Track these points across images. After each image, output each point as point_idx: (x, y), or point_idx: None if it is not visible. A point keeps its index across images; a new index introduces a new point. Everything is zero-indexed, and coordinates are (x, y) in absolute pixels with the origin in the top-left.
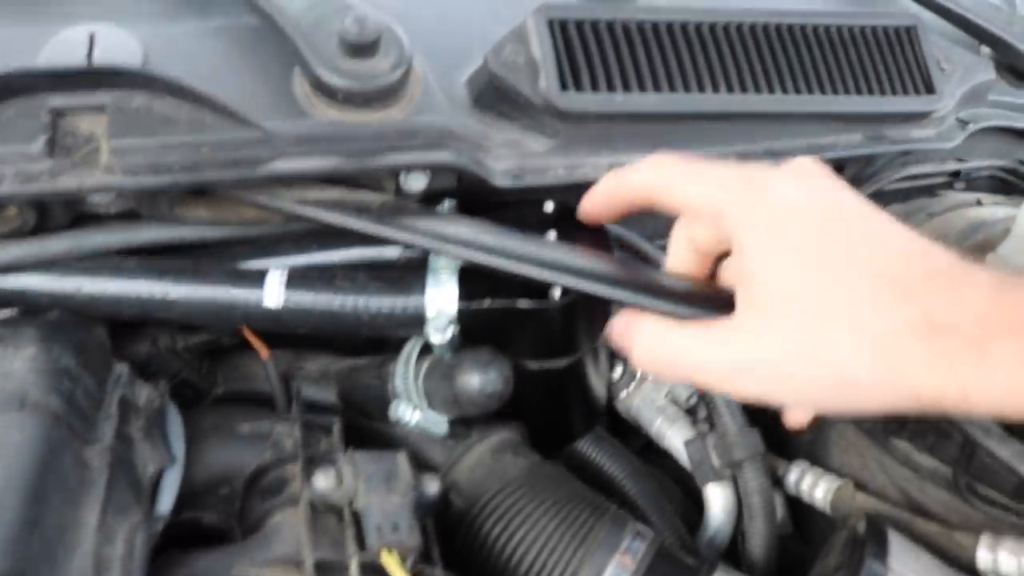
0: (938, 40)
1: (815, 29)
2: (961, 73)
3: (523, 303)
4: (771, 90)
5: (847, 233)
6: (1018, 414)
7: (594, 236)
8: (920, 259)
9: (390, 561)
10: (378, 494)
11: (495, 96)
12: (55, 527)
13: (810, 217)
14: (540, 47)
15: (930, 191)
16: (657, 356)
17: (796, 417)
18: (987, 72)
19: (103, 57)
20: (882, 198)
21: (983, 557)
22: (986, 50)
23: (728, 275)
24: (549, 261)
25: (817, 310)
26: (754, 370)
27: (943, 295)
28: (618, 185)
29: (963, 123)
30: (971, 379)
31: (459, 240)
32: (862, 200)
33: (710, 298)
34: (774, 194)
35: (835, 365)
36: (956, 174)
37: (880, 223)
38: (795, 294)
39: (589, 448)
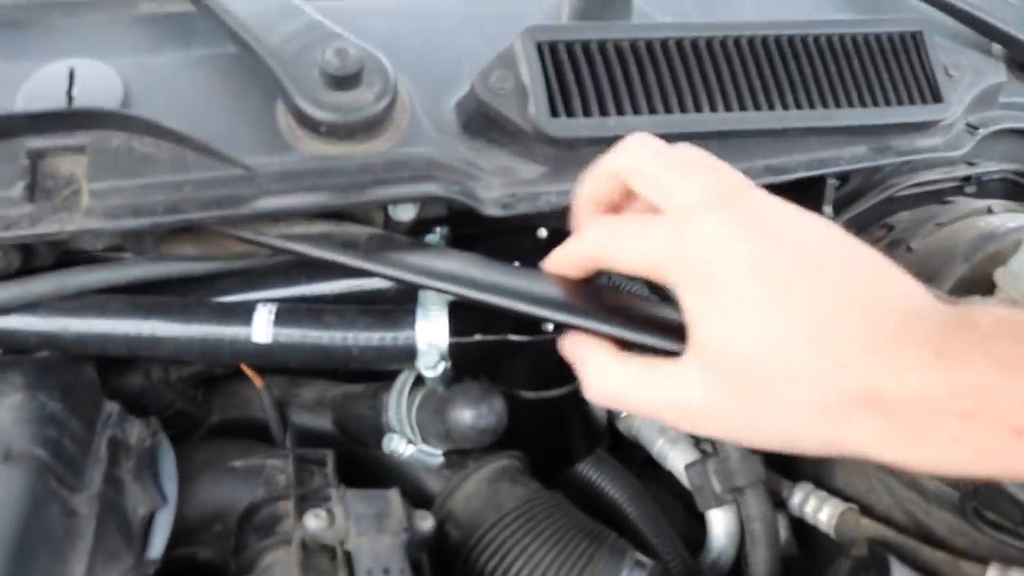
0: (945, 43)
1: (816, 40)
2: (970, 77)
3: (515, 337)
4: (770, 106)
5: (784, 283)
6: (971, 478)
7: None
8: (863, 318)
9: None
10: (369, 535)
11: (484, 123)
12: None
13: (747, 266)
14: (529, 71)
15: (939, 196)
16: (607, 391)
17: None
18: (997, 74)
19: (83, 94)
20: (890, 205)
21: None
22: (998, 48)
23: None
24: (539, 296)
25: (759, 372)
26: (701, 414)
27: (882, 366)
28: (566, 259)
29: (973, 128)
30: (911, 455)
31: (447, 275)
32: (805, 225)
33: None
34: (705, 244)
35: (778, 428)
36: (967, 179)
37: (821, 259)
38: (735, 353)
39: (590, 471)
